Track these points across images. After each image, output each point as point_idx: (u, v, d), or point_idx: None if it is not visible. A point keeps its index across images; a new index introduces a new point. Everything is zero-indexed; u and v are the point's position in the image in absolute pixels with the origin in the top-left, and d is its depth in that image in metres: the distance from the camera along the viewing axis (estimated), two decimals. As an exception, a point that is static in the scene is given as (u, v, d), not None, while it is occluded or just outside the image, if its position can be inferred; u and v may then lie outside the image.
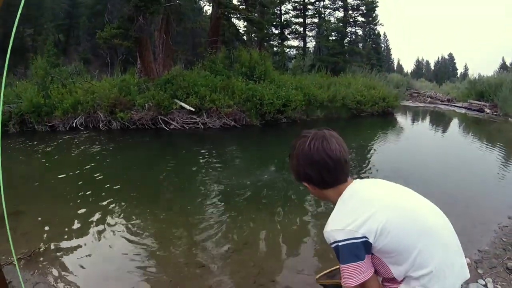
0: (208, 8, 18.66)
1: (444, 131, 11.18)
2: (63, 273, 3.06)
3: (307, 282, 2.83)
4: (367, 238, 1.14)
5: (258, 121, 10.80)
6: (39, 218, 4.17)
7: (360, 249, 1.15)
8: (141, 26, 11.11)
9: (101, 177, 5.87)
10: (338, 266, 2.06)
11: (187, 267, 3.11)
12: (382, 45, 46.05)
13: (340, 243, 1.16)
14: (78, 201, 4.73)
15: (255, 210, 4.41)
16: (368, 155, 7.37)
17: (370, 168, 6.33)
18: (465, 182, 5.41)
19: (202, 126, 10.21)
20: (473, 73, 23.23)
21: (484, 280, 2.70)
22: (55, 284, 2.86)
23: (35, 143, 8.51)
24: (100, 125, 10.44)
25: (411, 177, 5.58)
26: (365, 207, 1.19)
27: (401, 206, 1.21)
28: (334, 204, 1.29)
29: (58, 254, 3.38)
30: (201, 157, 7.27)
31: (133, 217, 4.29)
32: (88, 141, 8.82)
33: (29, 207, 4.52)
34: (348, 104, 12.82)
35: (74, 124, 10.57)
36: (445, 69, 63.19)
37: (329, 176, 1.25)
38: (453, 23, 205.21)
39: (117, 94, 10.48)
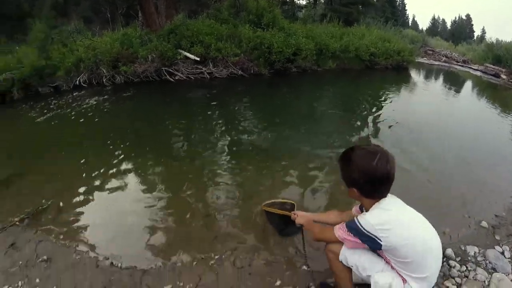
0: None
1: (459, 92, 10.34)
2: (66, 229, 2.96)
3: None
4: (381, 242, 1.50)
5: (266, 70, 10.29)
6: (45, 177, 4.02)
7: (369, 241, 1.54)
8: (140, -24, 10.46)
9: (107, 131, 5.68)
10: (286, 200, 2.71)
11: (192, 217, 3.07)
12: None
13: (359, 225, 1.55)
14: (84, 157, 4.55)
15: (262, 161, 4.28)
16: (380, 110, 6.84)
17: (382, 122, 5.91)
18: (480, 148, 4.99)
19: (208, 76, 9.73)
20: (490, 37, 21.85)
21: (501, 247, 2.60)
22: (57, 241, 2.78)
23: (39, 105, 8.22)
24: (104, 81, 10.02)
25: (423, 138, 5.19)
26: (395, 227, 1.49)
27: (418, 235, 1.53)
28: (366, 208, 1.65)
29: (62, 210, 3.26)
30: (208, 107, 7.02)
31: (140, 168, 4.16)
32: (92, 98, 8.50)
33: (34, 168, 4.35)
34: (362, 56, 12.18)
35: (77, 82, 10.17)
36: (461, 30, 59.76)
37: (380, 190, 1.54)
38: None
39: (119, 48, 10.01)
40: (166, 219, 3.06)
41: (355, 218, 1.58)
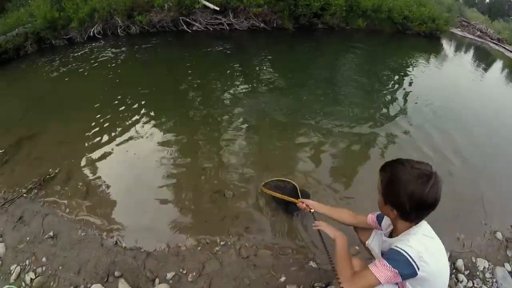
0: None
1: (492, 75, 9.16)
2: (72, 201, 2.85)
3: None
4: (418, 271, 1.34)
5: (291, 24, 9.52)
6: (55, 139, 3.92)
7: (408, 270, 1.35)
8: None
9: (120, 88, 5.49)
10: (288, 180, 2.71)
11: (202, 192, 2.91)
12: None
13: (406, 255, 1.34)
14: (96, 117, 4.40)
15: (278, 130, 4.00)
16: (409, 82, 6.16)
17: (410, 97, 5.31)
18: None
19: (227, 28, 9.13)
20: (531, 18, 19.99)
21: (510, 266, 2.46)
22: (64, 216, 2.71)
23: (52, 59, 8.05)
24: (119, 31, 9.62)
25: (453, 122, 4.60)
26: (433, 255, 1.37)
27: (445, 271, 1.46)
28: (397, 229, 1.49)
29: (70, 179, 3.14)
30: (226, 63, 6.65)
31: (152, 133, 3.94)
32: (106, 50, 8.21)
33: (45, 128, 4.24)
34: (394, 18, 11.15)
35: (91, 33, 9.79)
36: (500, 6, 55.57)
37: (421, 216, 1.39)
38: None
39: (134, -4, 9.45)
40: (174, 193, 2.93)
41: (398, 249, 1.37)
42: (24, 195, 2.95)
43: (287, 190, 2.59)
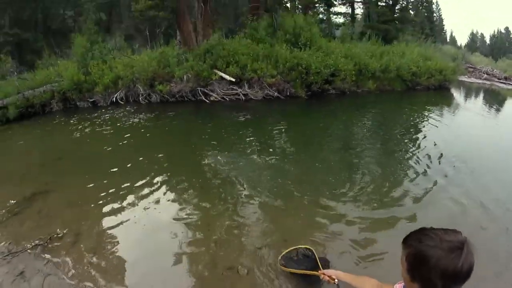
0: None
1: (507, 116, 9.23)
2: (76, 265, 2.82)
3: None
4: None
5: (303, 92, 9.96)
6: (67, 198, 4.01)
7: None
8: (177, -4, 10.62)
9: (138, 152, 5.67)
10: (304, 246, 2.62)
11: (214, 268, 2.74)
12: (435, 14, 40.44)
13: None
14: (112, 178, 4.54)
15: (294, 204, 3.81)
16: (425, 142, 6.00)
17: (428, 160, 5.16)
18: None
19: (243, 98, 9.60)
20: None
21: None
22: (66, 278, 2.63)
23: (76, 119, 8.57)
24: (140, 99, 10.23)
25: (481, 181, 4.42)
26: None
27: None
28: None
29: (76, 242, 3.14)
30: (242, 131, 6.86)
31: (164, 202, 3.90)
32: (127, 115, 8.70)
33: (60, 186, 4.40)
34: (403, 76, 11.53)
35: (114, 99, 10.47)
36: (501, 44, 56.37)
37: None
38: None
39: (156, 67, 10.17)
40: (184, 269, 2.73)
41: None
42: (29, 250, 2.92)
43: (306, 259, 2.43)
